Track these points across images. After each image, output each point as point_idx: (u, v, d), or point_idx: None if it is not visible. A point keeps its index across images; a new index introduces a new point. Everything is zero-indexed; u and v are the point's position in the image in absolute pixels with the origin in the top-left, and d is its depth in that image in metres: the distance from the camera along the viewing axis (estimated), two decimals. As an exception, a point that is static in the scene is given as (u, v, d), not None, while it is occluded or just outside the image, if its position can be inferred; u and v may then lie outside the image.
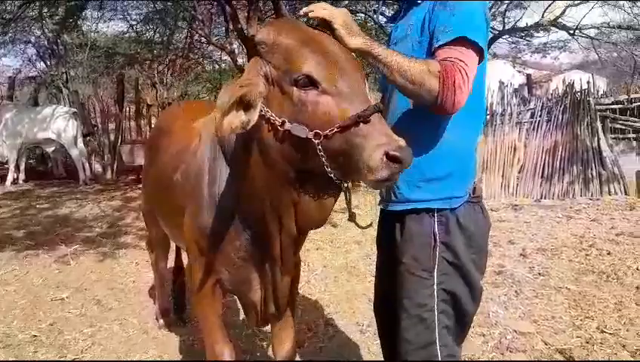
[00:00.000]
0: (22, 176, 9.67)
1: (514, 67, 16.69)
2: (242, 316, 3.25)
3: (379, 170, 1.25)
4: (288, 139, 1.37)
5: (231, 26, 8.86)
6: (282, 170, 1.46)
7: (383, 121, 1.32)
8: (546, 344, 2.90)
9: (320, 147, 1.32)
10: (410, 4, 1.74)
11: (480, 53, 1.50)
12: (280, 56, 1.39)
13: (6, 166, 9.54)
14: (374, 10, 10.93)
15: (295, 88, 1.35)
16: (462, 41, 1.45)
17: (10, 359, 2.82)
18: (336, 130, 1.29)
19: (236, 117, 1.37)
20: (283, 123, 1.36)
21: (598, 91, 9.18)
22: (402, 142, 1.27)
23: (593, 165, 7.33)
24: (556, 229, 5.54)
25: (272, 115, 1.38)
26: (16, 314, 3.45)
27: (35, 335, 3.11)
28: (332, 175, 1.35)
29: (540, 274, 4.08)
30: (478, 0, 1.55)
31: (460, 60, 1.42)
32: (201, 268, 1.90)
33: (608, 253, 4.51)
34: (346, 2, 9.38)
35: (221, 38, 11.91)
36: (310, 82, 1.33)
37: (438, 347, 1.69)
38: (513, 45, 15.17)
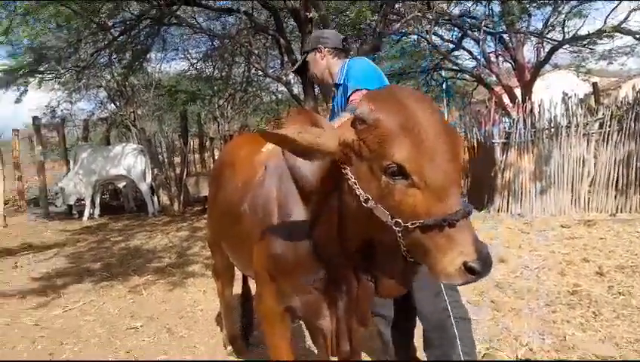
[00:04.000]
0: (97, 211, 10.26)
1: (577, 76, 15.98)
2: (308, 342, 3.26)
3: (453, 278, 1.24)
4: (371, 214, 1.36)
5: (286, 58, 9.11)
6: (358, 235, 1.52)
7: (470, 225, 1.27)
8: (631, 368, 2.70)
9: (400, 235, 1.31)
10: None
11: None
12: (375, 138, 1.32)
13: (83, 202, 10.16)
14: (427, 30, 10.90)
15: (384, 174, 1.31)
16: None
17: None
18: (418, 224, 1.27)
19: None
20: (367, 200, 1.36)
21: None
22: (485, 251, 1.24)
23: (672, 174, 6.84)
24: (635, 245, 5.19)
25: (358, 188, 1.38)
26: (95, 342, 3.63)
27: (113, 363, 3.26)
28: (407, 256, 1.36)
29: (619, 293, 3.82)
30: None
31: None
32: (270, 295, 1.93)
33: (697, 269, 4.18)
34: (398, 25, 9.40)
35: (277, 70, 12.26)
36: (400, 173, 1.28)
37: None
38: (575, 54, 14.60)
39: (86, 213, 9.91)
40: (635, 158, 6.99)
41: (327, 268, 1.74)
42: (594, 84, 12.32)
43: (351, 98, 2.41)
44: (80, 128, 13.64)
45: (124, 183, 10.65)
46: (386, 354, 2.85)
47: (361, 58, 2.75)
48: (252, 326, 3.41)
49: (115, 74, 10.48)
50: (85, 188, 9.91)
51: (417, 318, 2.57)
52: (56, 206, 10.37)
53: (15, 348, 3.55)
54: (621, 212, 6.95)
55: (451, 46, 14.41)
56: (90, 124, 13.33)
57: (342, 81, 2.60)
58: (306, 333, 3.18)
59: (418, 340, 2.74)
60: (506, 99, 13.40)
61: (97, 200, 10.40)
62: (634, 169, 6.98)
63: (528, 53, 14.18)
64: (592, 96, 10.95)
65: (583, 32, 12.31)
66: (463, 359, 2.34)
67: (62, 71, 9.93)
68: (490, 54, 13.83)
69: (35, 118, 10.97)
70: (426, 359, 2.51)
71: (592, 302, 3.69)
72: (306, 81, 9.29)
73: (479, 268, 1.21)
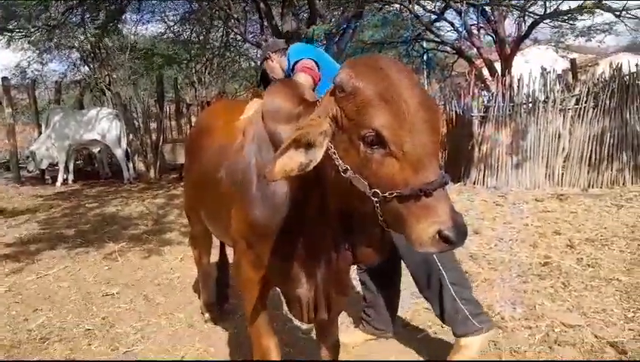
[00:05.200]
0: (71, 176, 10.07)
1: (557, 52, 16.10)
2: (285, 309, 3.29)
3: (427, 246, 1.23)
4: (349, 184, 1.35)
5: (265, 23, 8.93)
6: (336, 204, 1.52)
7: (446, 195, 1.26)
8: (596, 337, 2.80)
9: (377, 204, 1.31)
10: None
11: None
12: (353, 106, 1.31)
13: (56, 167, 9.94)
14: (409, 0, 10.79)
15: (362, 143, 1.29)
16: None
17: (67, 352, 2.95)
18: (395, 194, 1.26)
19: (292, 159, 1.37)
20: (346, 170, 1.35)
21: (647, 74, 8.74)
22: (460, 220, 1.23)
23: (644, 151, 7.02)
24: (605, 219, 5.34)
25: (337, 158, 1.37)
26: (70, 308, 3.60)
27: (89, 329, 3.24)
28: (384, 226, 1.36)
29: (588, 265, 3.95)
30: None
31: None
32: (247, 262, 1.93)
33: (662, 243, 4.33)
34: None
35: (256, 36, 12.01)
36: (378, 141, 1.27)
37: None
38: (555, 30, 14.66)
39: (59, 179, 9.70)
40: (608, 135, 7.13)
41: (305, 237, 1.73)
42: (572, 60, 12.41)
43: (295, 67, 2.82)
44: (52, 90, 13.26)
45: (99, 148, 10.43)
46: (363, 316, 2.94)
47: (295, 44, 3.17)
48: (227, 294, 3.43)
49: (89, 34, 10.14)
50: (58, 152, 9.67)
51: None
52: (28, 171, 10.13)
53: (-13, 313, 3.51)
54: (593, 187, 7.12)
55: (433, 17, 14.31)
56: (62, 87, 12.94)
57: (288, 69, 3.01)
58: (284, 301, 3.21)
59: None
60: (485, 73, 13.44)
61: (71, 166, 10.19)
62: (606, 145, 7.14)
63: (509, 27, 14.16)
64: (570, 72, 11.04)
65: (564, 7, 12.32)
66: (452, 291, 2.43)
67: (32, 29, 9.56)
68: (472, 27, 13.80)
69: (4, 79, 10.56)
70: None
71: (562, 273, 3.80)
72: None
73: (454, 236, 1.21)
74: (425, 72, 17.66)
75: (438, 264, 2.44)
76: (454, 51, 14.96)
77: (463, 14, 13.21)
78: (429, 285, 2.48)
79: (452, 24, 14.31)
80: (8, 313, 3.54)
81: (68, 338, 3.12)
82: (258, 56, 15.37)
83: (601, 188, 7.06)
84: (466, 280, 2.59)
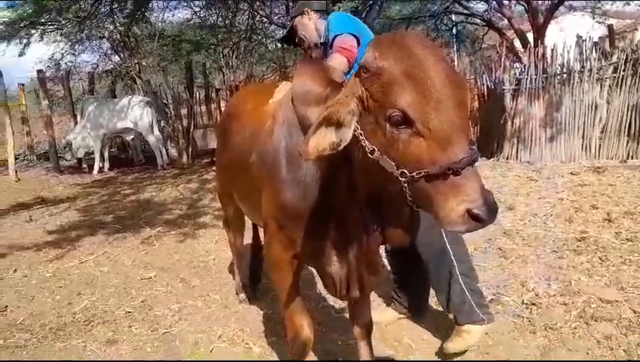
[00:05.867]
0: (106, 164, 10.33)
1: (593, 18, 15.44)
2: (319, 289, 3.34)
3: (457, 225, 1.23)
4: (377, 165, 1.35)
5: (291, 3, 8.86)
6: (365, 186, 1.53)
7: (475, 173, 1.25)
8: (634, 312, 2.74)
9: (405, 185, 1.30)
10: None
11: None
12: (378, 86, 1.31)
13: (92, 156, 10.22)
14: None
15: (388, 123, 1.29)
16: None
17: (109, 333, 3.07)
18: (423, 174, 1.25)
19: (324, 137, 1.38)
20: (372, 151, 1.35)
21: (691, 37, 8.35)
22: (490, 198, 1.22)
23: (686, 119, 6.72)
24: (645, 191, 5.17)
25: (363, 140, 1.37)
26: (111, 292, 3.74)
27: (129, 312, 3.36)
28: (413, 206, 1.36)
29: (627, 239, 3.84)
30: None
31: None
32: (279, 243, 1.97)
33: None
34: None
35: (282, 17, 11.95)
36: (404, 121, 1.26)
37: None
38: (591, -5, 14.05)
39: (96, 167, 9.98)
40: (648, 103, 6.84)
41: (335, 218, 1.75)
42: (609, 27, 11.91)
43: (334, 44, 2.62)
44: (85, 81, 13.53)
45: (132, 136, 10.66)
46: (394, 296, 2.97)
47: (338, 12, 2.98)
48: (260, 275, 3.49)
49: (118, 24, 10.28)
50: (94, 141, 9.93)
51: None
52: (66, 160, 10.44)
53: (34, 299, 3.67)
54: (632, 158, 6.88)
55: (462, -12, 13.92)
56: (95, 77, 13.21)
57: (325, 38, 2.80)
58: (318, 281, 3.26)
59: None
60: (517, 44, 13.03)
61: (106, 154, 10.44)
62: (647, 114, 6.86)
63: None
64: (607, 40, 10.60)
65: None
66: (463, 283, 2.49)
67: (63, 22, 9.75)
68: (502, -4, 13.36)
69: (39, 72, 10.87)
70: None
71: (599, 248, 3.71)
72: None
73: (483, 215, 1.20)
74: (455, 46, 17.26)
75: (452, 255, 2.49)
76: (484, 23, 14.58)
77: (492, -16, 12.81)
78: (440, 274, 2.54)
79: (481, -5, 13.90)
80: (53, 297, 3.70)
81: (110, 320, 3.25)
82: (285, 37, 15.31)
83: (641, 159, 6.81)
84: (474, 271, 2.62)
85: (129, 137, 10.77)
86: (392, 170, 1.31)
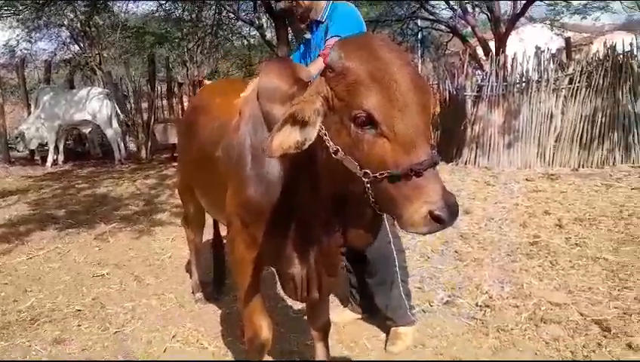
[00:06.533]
0: (61, 157, 9.99)
1: (552, 30, 15.99)
2: (278, 289, 3.31)
3: (419, 227, 1.23)
4: (340, 165, 1.35)
5: (259, 1, 8.80)
6: (328, 186, 1.52)
7: (437, 175, 1.27)
8: (581, 315, 2.84)
9: (368, 185, 1.31)
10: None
11: None
12: (344, 86, 1.31)
13: (46, 148, 9.86)
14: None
15: (353, 124, 1.29)
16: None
17: (57, 332, 2.96)
18: (386, 175, 1.26)
19: (289, 136, 1.36)
20: (337, 151, 1.34)
21: (641, 53, 8.73)
22: (451, 200, 1.23)
23: (635, 131, 7.05)
24: (595, 198, 5.38)
25: (327, 139, 1.36)
26: (60, 289, 3.60)
27: (79, 310, 3.25)
28: (375, 208, 1.36)
29: (576, 244, 3.98)
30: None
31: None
32: (242, 241, 1.94)
33: (650, 222, 4.37)
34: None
35: (249, 14, 11.87)
36: (369, 122, 1.26)
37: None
38: (551, 8, 14.54)
39: (49, 159, 9.63)
40: (600, 114, 7.14)
41: (298, 217, 1.74)
42: (567, 39, 12.33)
43: (327, 43, 2.49)
44: (41, 69, 13.05)
45: (90, 129, 10.32)
46: (351, 298, 2.99)
47: (346, 3, 2.73)
48: (225, 274, 3.44)
49: (78, 12, 9.97)
50: (48, 132, 9.57)
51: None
52: (17, 151, 10.02)
53: (-22, 294, 3.51)
54: (583, 167, 7.16)
55: (428, -6, 14.16)
56: (52, 66, 12.77)
57: (324, 19, 2.65)
58: (277, 280, 3.23)
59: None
60: (480, 52, 13.35)
61: (61, 146, 10.09)
62: (598, 125, 7.15)
63: (504, 5, 14.04)
64: (565, 52, 10.99)
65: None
66: (402, 288, 2.67)
67: (20, 7, 9.37)
68: (467, 4, 13.65)
69: (-8, 58, 10.41)
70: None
71: (550, 252, 3.83)
72: (280, 25, 9.04)
73: (445, 216, 1.21)
74: (419, 51, 17.54)
75: (396, 261, 2.65)
76: (449, 30, 14.85)
77: (457, -8, 13.08)
78: (383, 279, 2.68)
79: (447, 2, 14.16)
80: (-2, 294, 3.54)
81: (58, 319, 3.13)
82: (251, 34, 15.21)
83: (591, 167, 7.10)
84: (408, 275, 2.81)
85: (86, 130, 10.42)
86: (355, 170, 1.31)
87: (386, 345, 2.68)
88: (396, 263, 2.65)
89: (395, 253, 2.65)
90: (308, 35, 2.77)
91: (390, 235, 2.64)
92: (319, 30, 2.68)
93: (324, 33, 2.63)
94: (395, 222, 1.32)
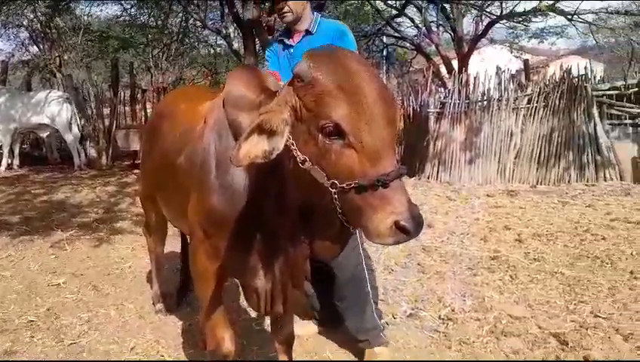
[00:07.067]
0: (16, 161, 9.63)
1: (511, 52, 16.62)
2: (241, 301, 3.27)
3: (385, 237, 1.25)
4: (308, 175, 1.35)
5: (227, 10, 8.77)
6: (295, 196, 1.52)
7: (403, 187, 1.29)
8: (540, 328, 2.92)
9: (336, 196, 1.31)
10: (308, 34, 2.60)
11: None
12: (312, 97, 1.31)
13: (0, 151, 9.47)
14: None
15: (321, 134, 1.29)
16: None
17: (7, 344, 2.82)
18: (353, 185, 1.26)
19: (256, 145, 1.36)
20: (304, 161, 1.34)
21: (595, 77, 9.17)
22: (416, 211, 1.25)
23: (589, 151, 7.36)
24: (552, 215, 5.57)
25: (295, 149, 1.36)
26: (12, 299, 3.44)
27: (32, 320, 3.11)
28: (342, 220, 1.37)
29: (535, 259, 4.10)
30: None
31: None
32: (204, 252, 1.90)
33: (603, 238, 4.54)
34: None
35: (216, 22, 11.79)
36: (337, 132, 1.27)
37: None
38: (511, 30, 15.14)
39: (3, 163, 9.26)
40: (556, 134, 7.43)
41: (263, 228, 1.72)
42: (525, 61, 12.86)
43: None
44: (-3, 70, 12.58)
45: (47, 133, 9.98)
46: (312, 311, 2.96)
47: (340, 24, 2.72)
48: (189, 285, 3.37)
49: (39, 13, 9.68)
50: (3, 135, 9.20)
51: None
52: (-31, 153, 9.57)
53: None
54: (541, 184, 7.41)
55: (394, 12, 14.45)
56: (9, 67, 12.32)
57: (314, 31, 2.61)
58: (240, 292, 3.18)
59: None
60: (443, 70, 13.69)
61: (17, 150, 9.73)
62: (555, 144, 7.44)
63: (467, 25, 14.50)
64: (523, 73, 11.42)
65: (519, 8, 12.72)
66: (374, 309, 2.65)
67: (-24, 5, 9.03)
68: (432, 24, 14.02)
69: (-56, 56, 9.96)
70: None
71: (510, 266, 3.93)
72: (247, 35, 9.02)
73: (410, 227, 1.23)
74: (384, 67, 17.84)
75: (368, 282, 2.62)
76: (413, 47, 15.18)
77: (423, 11, 13.42)
78: (354, 301, 2.63)
79: (412, 20, 14.50)
80: (-56, 304, 3.35)
81: (9, 329, 2.98)
82: (218, 43, 15.12)
83: (548, 185, 7.35)
84: (378, 296, 2.80)
85: (44, 134, 10.06)
86: (322, 181, 1.31)
87: None
88: (368, 284, 2.62)
89: (366, 273, 2.63)
90: (289, 42, 2.66)
91: (362, 256, 2.62)
92: (306, 41, 2.60)
93: (311, 45, 2.53)
94: (362, 234, 1.33)
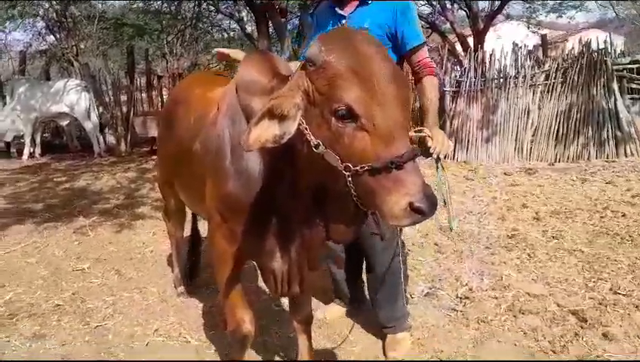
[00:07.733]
0: (38, 150, 9.79)
1: (528, 28, 16.24)
2: (259, 281, 3.32)
3: (400, 219, 1.26)
4: (321, 159, 1.36)
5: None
6: (309, 180, 1.53)
7: (417, 168, 1.28)
8: (558, 306, 2.92)
9: (350, 179, 1.32)
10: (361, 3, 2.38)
11: None
12: (324, 80, 1.31)
13: (22, 140, 9.65)
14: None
15: (334, 117, 1.30)
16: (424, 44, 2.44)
17: (36, 327, 2.92)
18: (367, 168, 1.27)
19: (267, 129, 1.37)
20: (317, 145, 1.35)
21: (615, 51, 8.94)
22: (430, 192, 1.25)
23: (609, 126, 7.22)
24: (570, 192, 5.51)
25: (308, 133, 1.37)
26: (39, 284, 3.55)
27: (59, 304, 3.21)
28: (358, 202, 1.38)
29: (553, 237, 4.08)
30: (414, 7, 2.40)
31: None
32: (222, 236, 1.93)
33: (623, 215, 4.49)
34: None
35: (230, 6, 11.76)
36: (350, 115, 1.28)
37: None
38: (528, 5, 14.74)
39: (26, 152, 9.43)
40: (575, 110, 7.30)
41: (279, 211, 1.74)
42: (543, 37, 12.56)
43: (422, 55, 2.43)
44: (16, 60, 12.74)
45: (67, 121, 10.13)
46: (337, 293, 2.99)
47: None
48: (198, 269, 3.43)
49: (54, 2, 9.75)
50: (24, 125, 9.36)
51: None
52: (-8, 143, 9.77)
53: (-47, 289, 3.43)
54: (559, 161, 7.31)
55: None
56: (27, 57, 12.47)
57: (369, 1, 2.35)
58: (258, 274, 3.24)
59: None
60: (458, 48, 13.48)
61: (38, 139, 9.89)
62: (573, 120, 7.31)
63: (483, 2, 14.20)
64: (541, 48, 11.18)
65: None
66: (403, 298, 2.66)
67: (-8, -3, 9.13)
68: (446, 1, 13.76)
69: (-36, 48, 10.12)
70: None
71: (527, 245, 3.92)
72: (260, 19, 8.98)
73: (425, 207, 1.23)
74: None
75: (402, 273, 2.60)
76: (428, 25, 14.91)
77: (437, -12, 13.17)
78: (389, 293, 2.63)
79: (427, -2, 14.25)
80: (-26, 289, 3.47)
81: (37, 313, 3.08)
82: (231, 27, 15.08)
83: (567, 162, 7.26)
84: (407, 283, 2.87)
85: (64, 122, 10.21)
86: (336, 164, 1.32)
87: (384, 351, 2.62)
88: (402, 276, 2.61)
89: (401, 265, 2.61)
90: (341, 12, 2.40)
91: (400, 249, 2.59)
92: (360, 12, 2.36)
93: (366, 17, 2.32)
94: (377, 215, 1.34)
